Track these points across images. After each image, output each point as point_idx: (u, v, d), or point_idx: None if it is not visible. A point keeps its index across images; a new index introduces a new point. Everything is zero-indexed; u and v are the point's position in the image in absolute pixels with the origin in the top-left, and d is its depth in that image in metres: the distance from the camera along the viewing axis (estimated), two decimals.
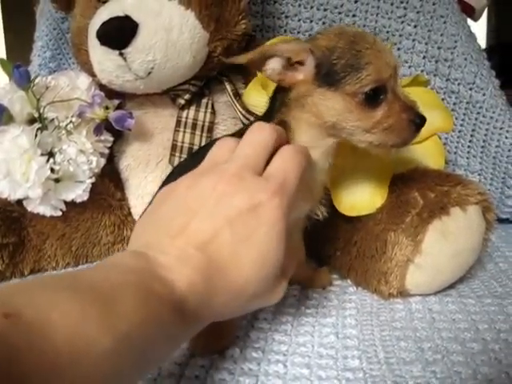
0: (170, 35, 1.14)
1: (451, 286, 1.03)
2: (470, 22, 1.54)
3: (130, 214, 1.32)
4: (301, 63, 0.82)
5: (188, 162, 1.10)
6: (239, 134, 0.86)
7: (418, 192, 0.99)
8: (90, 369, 0.46)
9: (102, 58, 1.17)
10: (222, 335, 0.85)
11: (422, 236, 0.95)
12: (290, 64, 0.82)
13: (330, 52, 0.81)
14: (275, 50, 0.82)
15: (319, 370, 0.78)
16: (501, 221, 1.46)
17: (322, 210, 0.95)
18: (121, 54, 1.13)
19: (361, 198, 1.03)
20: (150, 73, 1.16)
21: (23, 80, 1.14)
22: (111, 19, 1.12)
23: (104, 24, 1.12)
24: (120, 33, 1.12)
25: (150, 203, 0.85)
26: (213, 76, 1.30)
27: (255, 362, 0.80)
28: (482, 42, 5.47)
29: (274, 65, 0.82)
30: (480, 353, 0.82)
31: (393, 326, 0.91)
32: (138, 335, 0.53)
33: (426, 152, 1.10)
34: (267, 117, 0.90)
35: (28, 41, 1.61)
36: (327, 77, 0.81)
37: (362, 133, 0.83)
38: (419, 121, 0.83)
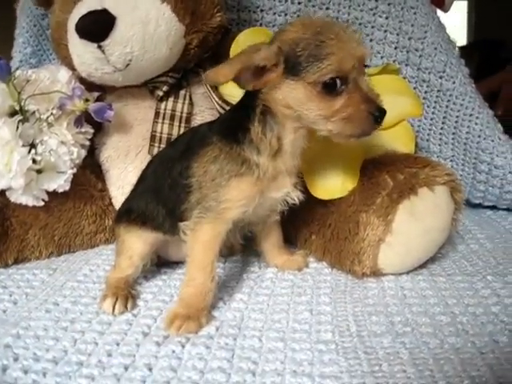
0: (146, 28, 1.17)
1: (423, 266, 1.07)
2: (451, 18, 1.58)
3: (111, 204, 1.35)
4: (275, 65, 0.85)
5: (167, 151, 1.14)
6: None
7: (387, 174, 1.03)
8: None
9: (81, 51, 1.20)
10: (198, 316, 0.89)
11: (393, 216, 0.99)
12: (262, 69, 0.85)
13: (296, 44, 0.84)
14: (251, 62, 0.84)
15: (293, 343, 0.82)
16: (473, 206, 1.50)
17: (297, 194, 0.99)
18: (99, 47, 1.16)
19: (333, 182, 1.07)
20: (128, 65, 1.19)
21: (3, 73, 1.16)
22: (89, 13, 1.14)
23: (82, 18, 1.15)
24: (98, 26, 1.14)
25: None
26: (190, 68, 1.33)
27: (231, 337, 0.84)
28: (464, 38, 5.52)
29: (246, 75, 0.85)
30: (448, 325, 0.86)
31: (365, 303, 0.95)
32: None
33: (396, 137, 1.14)
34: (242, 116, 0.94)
35: (7, 37, 1.62)
36: (293, 68, 0.84)
37: (323, 121, 0.86)
38: (378, 113, 0.85)
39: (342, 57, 0.83)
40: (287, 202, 1.00)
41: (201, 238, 0.94)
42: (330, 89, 0.84)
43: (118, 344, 0.83)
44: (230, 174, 0.91)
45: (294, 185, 0.98)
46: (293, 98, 0.86)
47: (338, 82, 0.83)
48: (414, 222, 1.00)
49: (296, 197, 0.99)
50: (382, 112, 0.86)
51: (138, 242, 1.03)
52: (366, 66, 0.89)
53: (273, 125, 0.90)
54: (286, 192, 0.97)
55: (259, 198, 0.94)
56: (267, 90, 0.87)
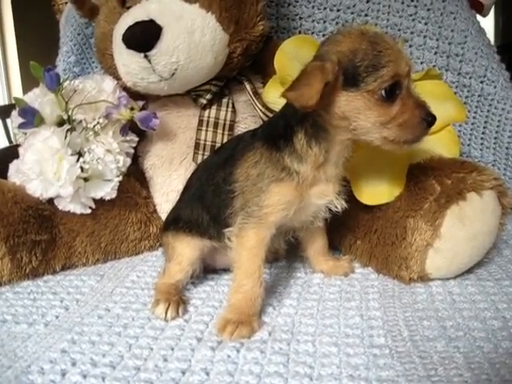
0: (192, 37, 1.19)
1: (470, 271, 1.07)
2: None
3: (155, 211, 1.37)
4: (336, 79, 0.84)
5: (211, 158, 1.15)
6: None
7: (434, 179, 1.03)
8: None
9: (128, 60, 1.22)
10: (250, 321, 0.89)
11: (441, 221, 0.99)
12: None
13: (354, 55, 0.84)
14: (326, 78, 0.82)
15: (347, 347, 0.82)
16: None
17: (340, 202, 0.99)
18: (146, 57, 1.18)
19: (380, 188, 1.07)
20: (173, 74, 1.21)
21: (53, 83, 1.18)
22: (136, 23, 1.17)
23: (129, 28, 1.17)
24: (145, 36, 1.17)
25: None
26: (232, 76, 1.35)
27: (285, 342, 0.85)
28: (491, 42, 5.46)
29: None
30: (500, 329, 0.85)
31: (415, 308, 0.95)
32: None
33: (442, 142, 1.13)
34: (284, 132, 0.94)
35: (41, 48, 1.65)
36: (352, 79, 0.85)
37: (379, 129, 0.87)
38: (430, 118, 0.87)
39: (399, 64, 0.84)
40: (330, 210, 1.01)
41: (246, 244, 0.95)
42: (388, 95, 0.85)
43: (172, 349, 0.84)
44: (270, 178, 0.93)
45: (338, 193, 0.98)
46: (351, 108, 0.86)
47: (395, 88, 0.85)
48: (462, 227, 0.99)
49: (339, 205, 0.99)
50: (433, 117, 0.87)
51: (187, 248, 1.05)
52: None
53: (321, 139, 0.91)
54: (329, 200, 0.98)
55: (299, 203, 0.95)
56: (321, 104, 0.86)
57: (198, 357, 0.81)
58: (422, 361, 0.77)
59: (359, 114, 0.86)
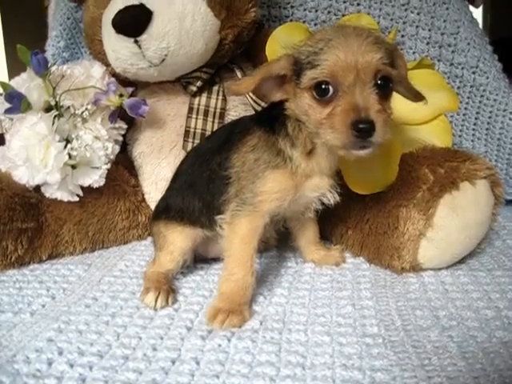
0: (183, 23, 1.17)
1: (462, 261, 1.07)
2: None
3: (143, 199, 1.35)
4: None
5: (203, 145, 1.13)
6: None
7: (428, 168, 1.02)
8: None
9: (117, 46, 1.20)
10: (241, 310, 0.88)
11: (434, 210, 0.98)
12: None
13: (301, 53, 0.85)
14: (270, 73, 0.85)
15: (339, 336, 0.81)
16: (506, 202, 1.47)
17: (333, 196, 0.98)
18: (136, 42, 1.16)
19: (373, 177, 1.06)
20: (163, 60, 1.19)
21: (41, 67, 1.15)
22: (126, 8, 1.14)
23: (119, 12, 1.15)
24: (135, 20, 1.15)
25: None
26: (223, 64, 1.33)
27: (276, 331, 0.83)
28: None
29: (268, 86, 0.87)
30: (494, 319, 0.85)
31: (407, 297, 0.94)
32: None
33: (434, 131, 1.13)
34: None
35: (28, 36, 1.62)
36: (299, 77, 0.84)
37: (318, 128, 0.84)
38: (361, 126, 0.78)
39: (336, 63, 0.80)
40: (322, 202, 1.00)
41: (239, 232, 0.93)
42: (321, 94, 0.82)
43: (162, 338, 0.83)
44: (267, 164, 0.92)
45: (331, 186, 0.97)
46: (300, 105, 0.86)
47: (331, 88, 0.81)
48: (455, 217, 0.99)
49: (331, 198, 0.98)
50: (365, 128, 0.78)
51: (178, 237, 1.03)
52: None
53: (303, 128, 0.90)
54: (322, 193, 0.97)
55: (294, 194, 0.93)
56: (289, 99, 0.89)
57: (187, 346, 0.80)
58: (416, 350, 0.76)
59: (304, 110, 0.86)
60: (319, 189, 0.96)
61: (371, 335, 0.81)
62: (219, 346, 0.80)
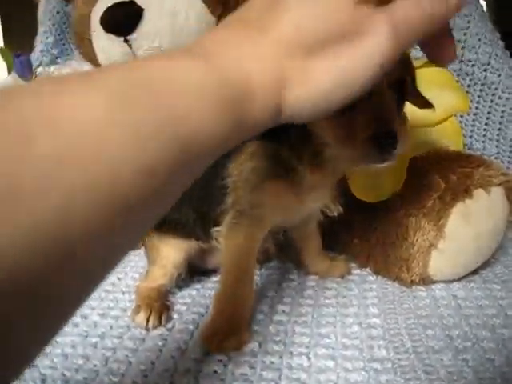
0: (176, 20, 1.10)
1: (474, 272, 1.00)
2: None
3: None
4: None
5: None
6: None
7: (439, 174, 0.96)
8: None
9: (107, 45, 1.14)
10: (239, 331, 0.82)
11: (445, 220, 0.92)
12: None
13: None
14: None
15: (345, 361, 0.75)
16: None
17: (336, 207, 0.92)
18: (126, 41, 1.10)
19: (380, 184, 0.99)
20: None
21: (25, 70, 1.10)
22: (115, 5, 1.08)
23: (108, 10, 1.08)
24: (125, 18, 1.08)
25: None
26: None
27: (277, 355, 0.77)
28: None
29: None
30: (511, 339, 0.78)
31: (418, 314, 0.87)
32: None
33: (445, 133, 1.07)
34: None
35: (27, 29, 1.55)
36: None
37: (329, 140, 0.74)
38: (388, 139, 0.67)
39: None
40: (324, 213, 0.94)
41: (236, 245, 0.87)
42: None
43: (153, 363, 0.76)
44: (266, 174, 0.84)
45: (334, 197, 0.91)
46: None
47: None
48: (468, 227, 0.92)
49: (334, 210, 0.92)
50: (393, 139, 0.67)
51: (172, 251, 0.97)
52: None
53: (311, 137, 0.80)
54: (324, 204, 0.91)
55: (295, 206, 0.88)
56: None
57: (180, 370, 0.74)
58: (428, 376, 0.70)
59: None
60: (322, 199, 0.90)
61: (379, 359, 0.75)
62: (215, 372, 0.73)
